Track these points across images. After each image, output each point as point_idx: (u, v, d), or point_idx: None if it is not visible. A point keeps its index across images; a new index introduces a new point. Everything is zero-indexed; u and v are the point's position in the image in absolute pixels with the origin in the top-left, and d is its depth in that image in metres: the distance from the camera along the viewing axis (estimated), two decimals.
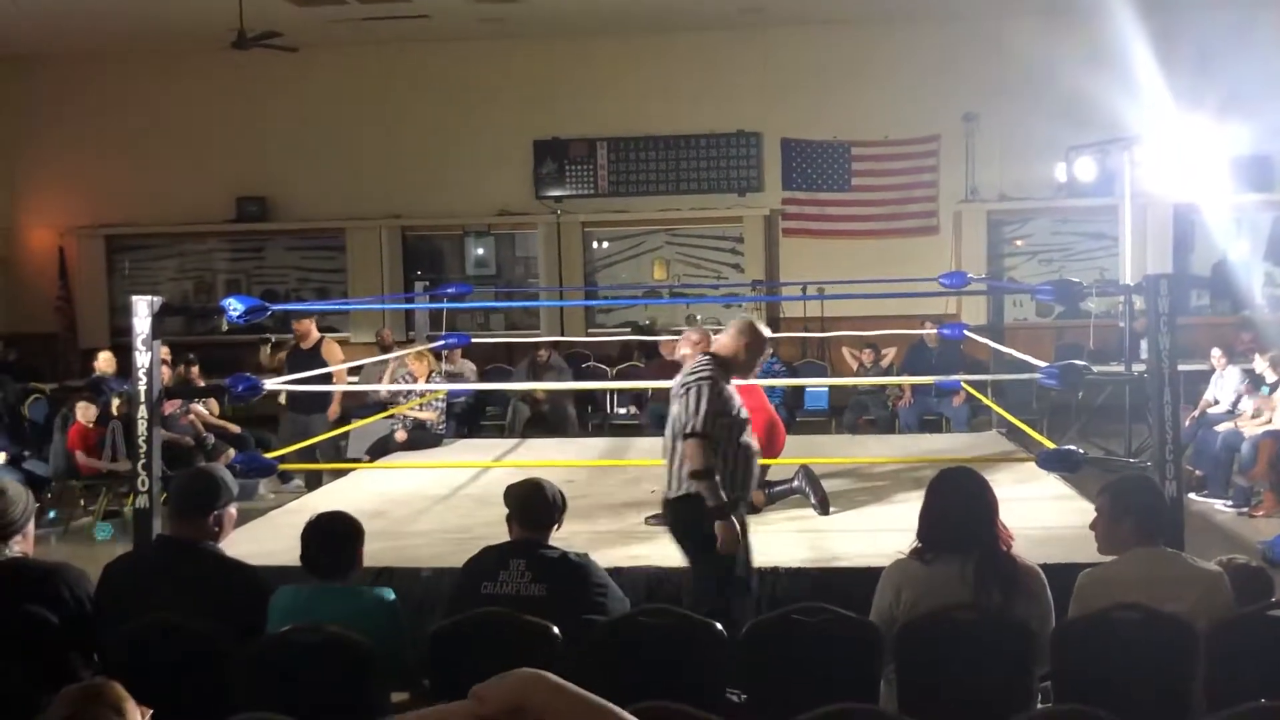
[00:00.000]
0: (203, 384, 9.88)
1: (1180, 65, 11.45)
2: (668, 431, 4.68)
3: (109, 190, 14.59)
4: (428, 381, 9.62)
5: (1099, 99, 11.27)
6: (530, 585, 3.84)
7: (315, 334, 9.48)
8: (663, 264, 14.63)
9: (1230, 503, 8.70)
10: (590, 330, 14.12)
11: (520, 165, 14.24)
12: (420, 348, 9.96)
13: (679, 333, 7.39)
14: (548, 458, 8.57)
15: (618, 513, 6.53)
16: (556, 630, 3.53)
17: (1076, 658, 3.49)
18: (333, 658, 3.46)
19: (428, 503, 6.98)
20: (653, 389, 10.66)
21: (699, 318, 14.09)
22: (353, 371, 10.28)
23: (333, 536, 3.86)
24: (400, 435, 9.45)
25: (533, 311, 14.49)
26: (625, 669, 3.57)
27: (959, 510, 3.74)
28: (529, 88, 14.09)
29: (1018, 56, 12.53)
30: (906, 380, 10.78)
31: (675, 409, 4.63)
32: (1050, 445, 5.89)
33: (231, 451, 9.27)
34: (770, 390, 9.80)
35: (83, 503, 9.52)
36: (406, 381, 9.76)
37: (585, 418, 12.25)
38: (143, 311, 5.03)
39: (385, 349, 11.67)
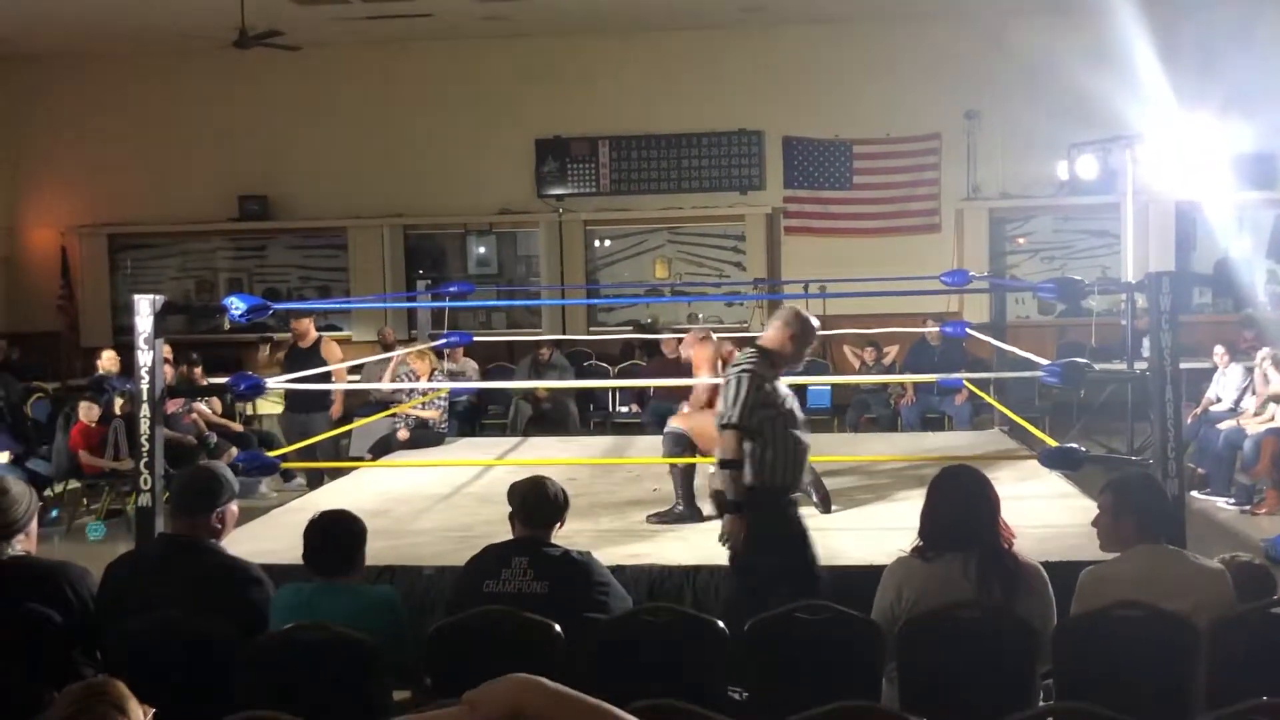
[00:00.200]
0: (205, 383, 9.90)
1: (1182, 63, 11.44)
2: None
3: (111, 189, 14.59)
4: (430, 380, 9.63)
5: (1101, 96, 11.26)
6: (532, 583, 3.84)
7: (314, 333, 9.49)
8: (664, 262, 14.63)
9: (1232, 500, 8.71)
10: (592, 329, 14.12)
11: (522, 164, 14.24)
12: (422, 346, 9.97)
13: (681, 331, 7.41)
14: (550, 456, 8.58)
15: (620, 511, 6.54)
16: (558, 628, 3.53)
17: (1078, 655, 3.49)
18: (335, 656, 3.46)
19: (430, 501, 6.99)
20: (654, 387, 10.67)
21: (701, 316, 14.11)
22: (352, 370, 10.29)
23: (335, 535, 3.86)
24: (402, 434, 9.45)
25: (534, 310, 14.49)
26: (627, 667, 3.57)
27: (961, 508, 3.75)
28: (531, 86, 14.08)
29: (1019, 54, 12.51)
30: (908, 378, 10.78)
31: (719, 400, 4.67)
32: (1052, 443, 5.89)
33: (234, 450, 9.29)
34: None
35: (85, 502, 9.53)
36: (409, 380, 9.77)
37: (587, 416, 12.26)
38: (145, 310, 5.03)
39: (387, 347, 11.67)
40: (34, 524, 3.86)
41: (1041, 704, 3.47)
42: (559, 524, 4.08)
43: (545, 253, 14.32)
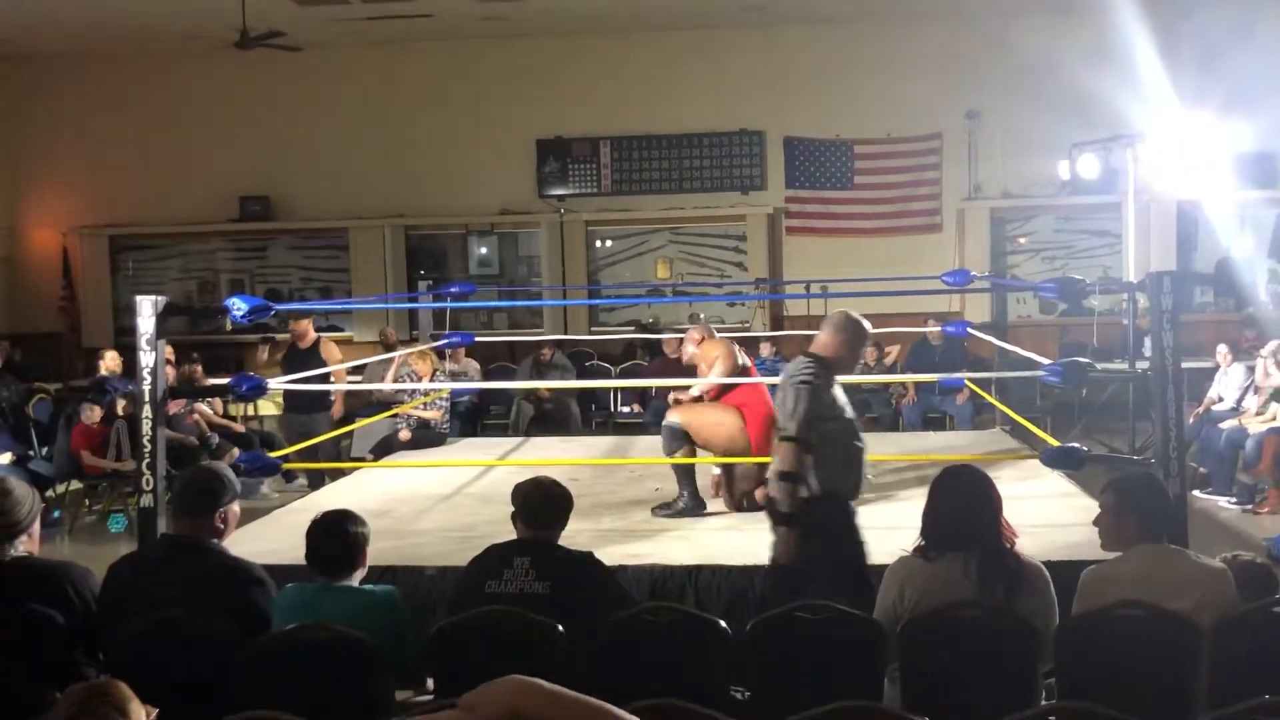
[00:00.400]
0: (207, 384, 9.90)
1: (1183, 62, 11.44)
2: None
3: (112, 190, 14.59)
4: (431, 381, 9.63)
5: (1102, 96, 11.26)
6: (534, 583, 3.84)
7: (313, 334, 9.49)
8: (666, 263, 14.63)
9: (1234, 500, 8.70)
10: (593, 329, 14.12)
11: (523, 164, 14.24)
12: (424, 347, 9.97)
13: (682, 331, 7.40)
14: (551, 456, 8.58)
15: (622, 511, 6.55)
16: (560, 629, 3.53)
17: (1080, 654, 3.49)
18: (337, 656, 3.46)
19: (431, 501, 6.99)
20: (656, 387, 10.67)
21: (702, 316, 14.10)
22: (354, 371, 10.29)
23: (337, 535, 3.86)
24: (404, 434, 9.45)
25: (536, 310, 14.49)
26: (629, 667, 3.57)
27: (962, 508, 3.75)
28: (532, 86, 14.08)
29: (1020, 53, 12.51)
30: (910, 378, 10.78)
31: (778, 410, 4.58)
32: (1054, 443, 5.89)
33: (236, 451, 9.29)
34: (774, 389, 9.81)
35: (87, 502, 9.54)
36: (411, 380, 9.77)
37: (589, 416, 12.27)
38: (147, 311, 5.03)
39: (389, 348, 11.68)
40: (36, 525, 3.86)
41: (1043, 703, 3.46)
42: (562, 524, 4.08)
43: (547, 253, 14.32)
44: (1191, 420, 8.93)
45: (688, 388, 6.60)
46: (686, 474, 6.38)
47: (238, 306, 5.29)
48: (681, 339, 7.07)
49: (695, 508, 6.30)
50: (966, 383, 9.51)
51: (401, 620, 3.84)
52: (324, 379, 8.63)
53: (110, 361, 10.51)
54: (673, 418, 6.44)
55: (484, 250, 14.71)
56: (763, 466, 6.43)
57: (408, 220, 14.53)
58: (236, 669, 3.48)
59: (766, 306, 13.84)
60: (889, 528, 5.69)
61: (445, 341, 10.18)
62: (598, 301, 14.47)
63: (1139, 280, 6.21)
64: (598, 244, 14.78)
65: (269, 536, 5.85)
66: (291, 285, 15.07)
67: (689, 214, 14.29)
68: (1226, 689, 3.29)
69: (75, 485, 9.57)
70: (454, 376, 10.45)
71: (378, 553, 4.27)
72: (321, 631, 3.49)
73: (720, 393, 6.45)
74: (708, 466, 6.55)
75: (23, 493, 3.82)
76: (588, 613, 3.69)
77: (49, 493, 9.16)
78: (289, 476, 9.85)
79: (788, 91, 13.84)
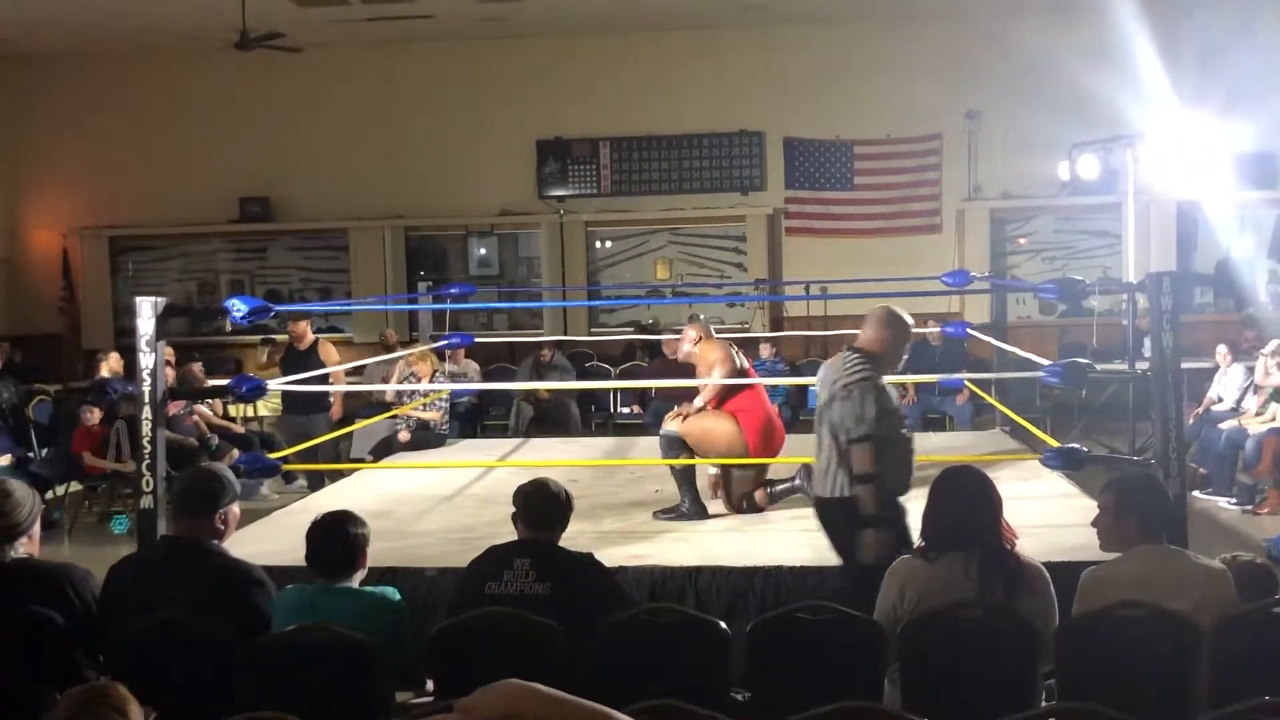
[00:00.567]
0: (207, 385, 9.90)
1: (1183, 62, 11.45)
2: (824, 431, 4.50)
3: (112, 191, 14.59)
4: (431, 381, 9.63)
5: (1102, 96, 11.26)
6: (534, 585, 3.84)
7: (311, 335, 9.48)
8: (666, 263, 14.63)
9: (1234, 500, 8.71)
10: (593, 330, 14.12)
11: (523, 165, 14.24)
12: (424, 348, 9.97)
13: (682, 332, 7.38)
14: (551, 457, 8.59)
15: (622, 512, 6.55)
16: (561, 630, 3.53)
17: (1080, 655, 3.49)
18: (337, 657, 3.46)
19: (431, 503, 6.99)
20: (656, 388, 10.67)
21: (702, 317, 14.10)
22: (353, 372, 10.29)
23: (338, 536, 3.86)
24: (404, 435, 9.46)
25: (536, 311, 14.49)
26: (629, 668, 3.57)
27: (962, 508, 3.74)
28: (531, 87, 14.08)
29: (1020, 54, 12.52)
30: (909, 379, 10.75)
31: (836, 411, 4.44)
32: (1054, 443, 5.88)
33: (236, 452, 9.29)
34: (773, 389, 9.81)
35: (87, 504, 9.54)
36: (411, 381, 9.78)
37: (589, 417, 12.28)
38: (147, 312, 5.03)
39: (389, 349, 11.69)
40: (37, 526, 3.86)
41: (1043, 704, 3.46)
42: (563, 526, 4.08)
43: (546, 254, 14.32)
44: (1191, 421, 8.93)
45: (691, 401, 6.56)
46: (687, 480, 6.37)
47: (237, 308, 5.29)
48: (679, 338, 7.05)
49: (698, 513, 6.29)
50: (966, 383, 9.50)
51: (401, 621, 3.84)
52: (323, 380, 8.63)
53: (112, 363, 10.51)
54: (669, 426, 6.45)
55: (484, 251, 14.71)
56: (761, 469, 6.45)
57: (408, 221, 14.53)
58: (236, 670, 3.48)
59: (766, 307, 13.85)
60: None
61: (445, 342, 10.18)
62: (597, 303, 14.46)
63: (1139, 281, 6.21)
64: (597, 245, 14.78)
65: (269, 538, 5.85)
66: (291, 286, 15.07)
67: (689, 215, 14.29)
68: (1226, 689, 3.29)
69: (75, 487, 9.57)
70: (454, 377, 10.45)
71: (378, 554, 4.27)
72: (321, 633, 3.48)
73: (718, 399, 6.44)
74: (706, 467, 6.54)
75: (23, 494, 3.82)
76: (588, 614, 3.69)
77: (49, 494, 9.16)
78: (289, 478, 9.84)
79: (787, 92, 13.85)
